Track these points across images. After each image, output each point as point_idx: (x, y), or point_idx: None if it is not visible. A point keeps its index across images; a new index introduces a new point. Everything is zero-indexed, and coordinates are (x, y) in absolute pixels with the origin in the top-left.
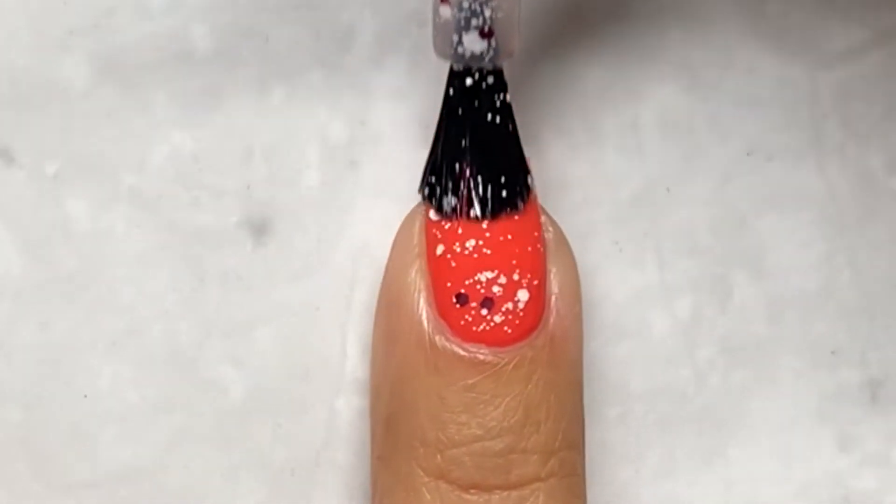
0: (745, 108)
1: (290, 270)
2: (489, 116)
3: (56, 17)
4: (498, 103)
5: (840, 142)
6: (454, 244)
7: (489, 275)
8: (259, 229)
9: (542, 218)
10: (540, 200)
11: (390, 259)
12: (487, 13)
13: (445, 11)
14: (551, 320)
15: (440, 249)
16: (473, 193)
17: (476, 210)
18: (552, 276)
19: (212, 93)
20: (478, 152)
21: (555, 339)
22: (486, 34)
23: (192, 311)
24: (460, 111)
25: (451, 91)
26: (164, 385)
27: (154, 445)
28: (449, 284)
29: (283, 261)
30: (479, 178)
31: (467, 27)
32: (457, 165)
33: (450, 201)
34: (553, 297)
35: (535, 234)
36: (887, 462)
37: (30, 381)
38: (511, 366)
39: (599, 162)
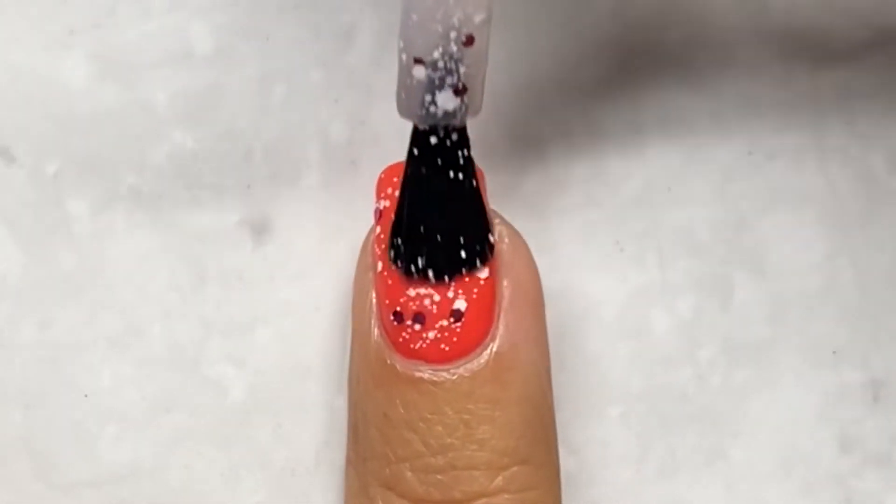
0: (747, 108)
1: (290, 270)
2: (452, 174)
3: (56, 16)
4: (461, 160)
5: (841, 141)
6: (390, 262)
7: (421, 291)
8: (259, 229)
9: (498, 227)
10: (540, 200)
11: (355, 269)
12: (462, 70)
13: (420, 72)
14: (498, 335)
15: (379, 266)
16: (438, 254)
17: (432, 273)
18: (503, 288)
19: (212, 92)
20: (442, 212)
21: (502, 355)
22: (459, 91)
23: (192, 311)
24: (424, 170)
25: (416, 150)
26: (164, 385)
27: (154, 445)
28: (387, 302)
29: (283, 261)
30: (442, 239)
31: (441, 86)
32: (422, 227)
33: (417, 263)
34: (502, 311)
35: None
36: (889, 462)
37: (30, 380)
38: (449, 383)
39: (600, 162)
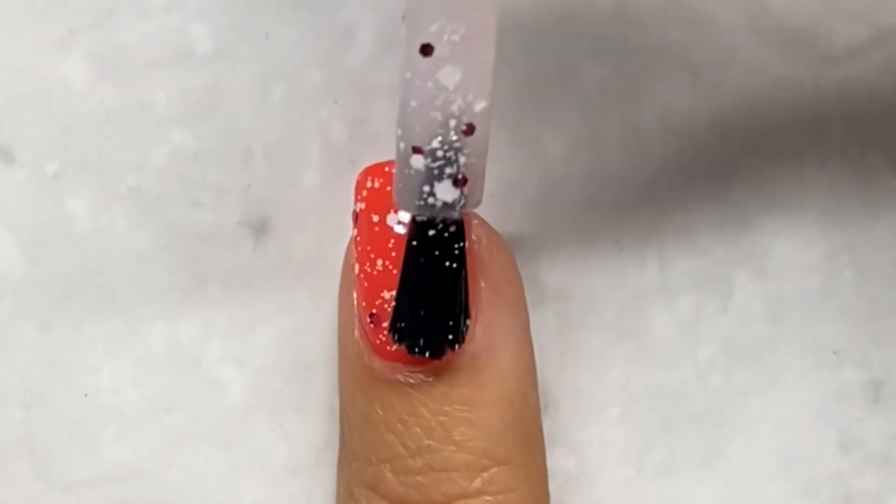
0: (747, 107)
1: (290, 270)
2: (447, 264)
3: (56, 16)
4: (457, 251)
5: (842, 141)
6: (365, 264)
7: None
8: (259, 229)
9: (475, 229)
10: (540, 200)
11: (341, 271)
12: (462, 160)
13: (418, 162)
14: (475, 337)
15: (356, 269)
16: (433, 338)
17: (429, 354)
18: (480, 290)
19: (212, 92)
20: (437, 300)
21: (478, 356)
22: (459, 182)
23: (192, 311)
24: (422, 261)
25: (414, 242)
26: (164, 385)
27: (154, 445)
28: (364, 304)
29: (283, 261)
30: (437, 325)
31: (440, 176)
32: (421, 311)
33: (419, 344)
34: (479, 313)
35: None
36: (889, 462)
37: (30, 380)
38: (425, 385)
39: (600, 161)
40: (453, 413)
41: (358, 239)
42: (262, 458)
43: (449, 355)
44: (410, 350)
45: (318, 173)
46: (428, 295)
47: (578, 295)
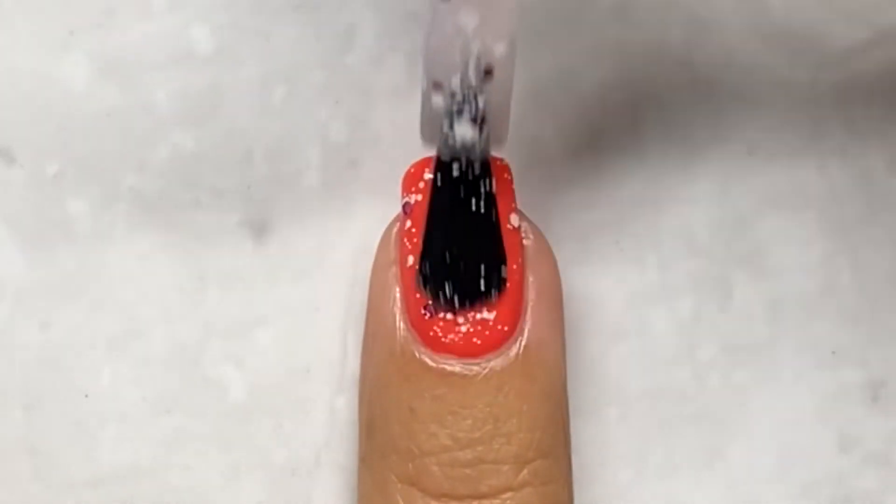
0: (746, 108)
1: (290, 270)
2: (474, 206)
3: (57, 16)
4: (483, 193)
5: (841, 141)
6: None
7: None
8: (259, 229)
9: (523, 225)
10: (540, 200)
11: (373, 265)
12: (481, 101)
13: (437, 100)
14: (526, 330)
15: (410, 260)
16: (461, 285)
17: (457, 300)
18: (529, 284)
19: (212, 93)
20: (463, 243)
21: (529, 349)
22: (478, 122)
23: (192, 311)
24: (447, 201)
25: (439, 181)
26: (164, 385)
27: (154, 445)
28: (419, 295)
29: (283, 261)
30: (463, 270)
31: (460, 116)
32: (447, 256)
33: (445, 290)
34: (529, 307)
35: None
36: (888, 462)
37: (30, 380)
38: (480, 377)
39: (600, 161)
40: (507, 405)
41: (414, 230)
42: (262, 459)
43: (492, 304)
44: (435, 295)
45: (318, 174)
46: (454, 237)
47: (578, 295)
